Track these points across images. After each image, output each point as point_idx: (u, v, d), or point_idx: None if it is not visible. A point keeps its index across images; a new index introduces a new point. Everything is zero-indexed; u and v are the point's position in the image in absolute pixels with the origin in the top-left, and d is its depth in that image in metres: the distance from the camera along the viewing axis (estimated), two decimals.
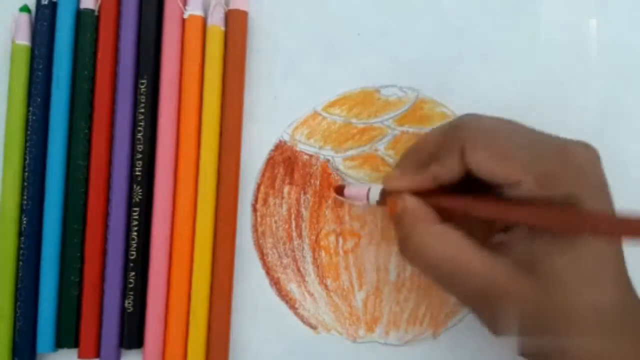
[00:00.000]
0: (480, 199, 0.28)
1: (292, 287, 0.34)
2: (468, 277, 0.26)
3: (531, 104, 0.34)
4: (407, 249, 0.28)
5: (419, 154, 0.30)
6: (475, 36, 0.35)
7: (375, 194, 0.31)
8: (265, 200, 0.34)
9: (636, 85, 0.34)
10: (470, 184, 0.28)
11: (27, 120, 0.34)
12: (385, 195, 0.30)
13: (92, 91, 0.34)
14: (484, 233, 0.29)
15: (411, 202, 0.28)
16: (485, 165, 0.26)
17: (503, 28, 0.35)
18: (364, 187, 0.31)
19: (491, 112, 0.34)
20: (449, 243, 0.27)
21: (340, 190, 0.33)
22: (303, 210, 0.34)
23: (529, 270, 0.26)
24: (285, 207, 0.34)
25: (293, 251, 0.34)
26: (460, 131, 0.28)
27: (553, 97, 0.34)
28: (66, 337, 0.33)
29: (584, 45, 0.35)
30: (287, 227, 0.34)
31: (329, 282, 0.34)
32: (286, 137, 0.35)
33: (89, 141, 0.33)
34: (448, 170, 0.27)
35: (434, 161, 0.28)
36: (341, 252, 0.34)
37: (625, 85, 0.34)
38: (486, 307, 0.27)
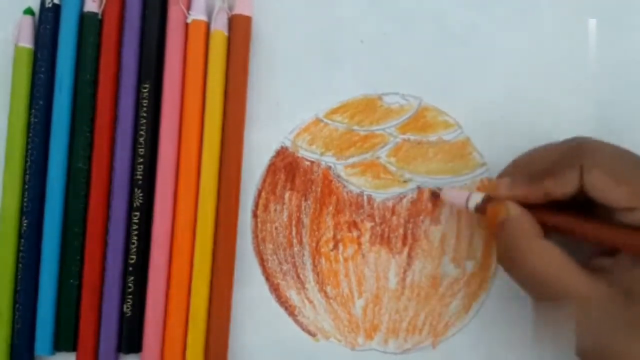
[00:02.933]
0: (588, 220, 0.28)
1: (292, 294, 0.34)
2: (564, 295, 0.27)
3: (534, 111, 0.34)
4: (507, 259, 0.29)
5: (530, 167, 0.30)
6: (477, 44, 0.35)
7: (476, 199, 0.30)
8: (266, 206, 0.34)
9: (636, 86, 0.34)
10: (573, 206, 0.28)
11: (28, 123, 0.34)
12: (486, 203, 0.30)
13: (94, 95, 0.34)
14: (582, 253, 0.29)
15: (516, 211, 0.29)
16: (603, 187, 0.27)
17: (505, 35, 0.35)
18: (464, 193, 0.31)
19: (493, 119, 0.34)
20: (551, 260, 0.27)
21: (435, 194, 0.33)
22: (304, 216, 0.34)
23: (627, 297, 0.26)
24: (285, 213, 0.34)
25: (293, 257, 0.34)
26: (581, 151, 0.28)
27: (555, 101, 0.34)
28: (64, 340, 0.33)
29: (584, 46, 0.35)
30: (287, 233, 0.34)
31: (328, 289, 0.33)
32: (288, 143, 0.35)
33: (90, 144, 0.33)
34: (562, 186, 0.28)
35: (549, 176, 0.28)
36: (341, 259, 0.34)
37: (625, 85, 0.34)
38: (569, 316, 0.27)
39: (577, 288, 0.27)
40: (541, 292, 0.28)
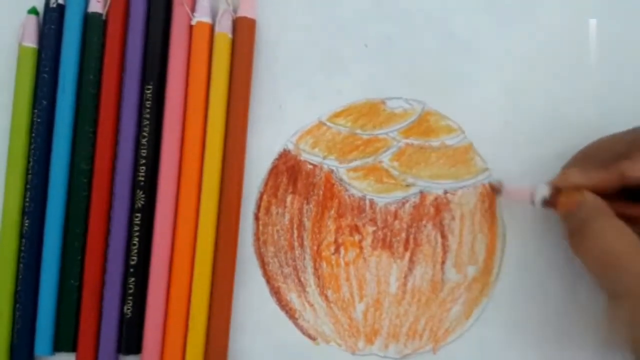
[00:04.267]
0: None
1: (293, 297, 0.34)
2: (632, 275, 0.27)
3: (536, 115, 0.34)
4: (580, 237, 0.28)
5: (599, 156, 0.30)
6: (481, 49, 0.35)
7: (542, 193, 0.30)
8: (267, 209, 0.34)
9: (637, 86, 0.34)
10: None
11: (31, 123, 0.34)
12: (555, 195, 0.30)
13: (97, 95, 0.34)
14: None
15: (591, 196, 0.29)
16: None
17: (507, 39, 0.35)
18: (527, 186, 0.31)
19: (496, 125, 0.34)
20: (626, 238, 0.27)
21: (496, 189, 0.33)
22: (305, 220, 0.34)
23: None
24: (287, 216, 0.34)
25: (294, 261, 0.34)
26: None
27: (557, 105, 0.34)
28: (64, 340, 0.33)
29: (585, 46, 0.35)
30: (288, 236, 0.34)
31: (329, 292, 0.33)
32: (290, 146, 0.35)
33: (93, 145, 0.33)
34: (638, 169, 0.28)
35: (624, 159, 0.28)
36: (342, 263, 0.33)
37: (626, 85, 0.34)
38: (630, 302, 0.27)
39: None
40: (609, 270, 0.28)
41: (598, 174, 0.29)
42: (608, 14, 0.35)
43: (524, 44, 0.35)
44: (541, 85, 0.34)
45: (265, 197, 0.34)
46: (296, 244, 0.34)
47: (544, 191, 0.30)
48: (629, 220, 0.28)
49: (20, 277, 0.33)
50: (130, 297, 0.33)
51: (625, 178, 0.28)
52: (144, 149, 0.33)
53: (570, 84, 0.34)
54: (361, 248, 0.34)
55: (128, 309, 0.33)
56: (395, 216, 0.34)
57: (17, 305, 0.33)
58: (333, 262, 0.34)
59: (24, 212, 0.33)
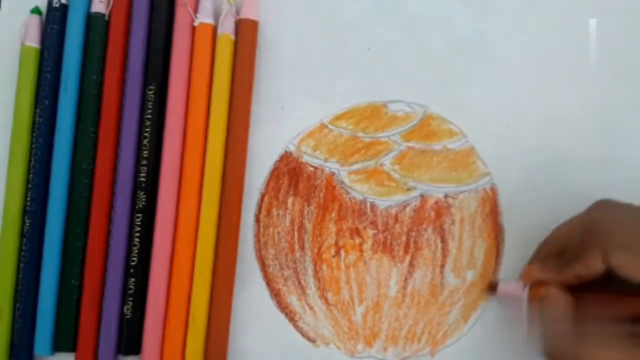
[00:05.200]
0: (622, 296, 0.28)
1: (293, 300, 0.34)
2: None
3: (538, 119, 0.34)
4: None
5: (557, 246, 0.31)
6: (483, 53, 0.35)
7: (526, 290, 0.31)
8: (268, 211, 0.34)
9: (637, 86, 0.34)
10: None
11: (33, 122, 0.34)
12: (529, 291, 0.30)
13: (99, 95, 0.34)
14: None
15: (554, 291, 0.29)
16: (630, 267, 0.27)
17: (509, 43, 0.35)
18: (519, 284, 0.31)
19: (498, 129, 0.34)
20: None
21: (493, 286, 0.33)
22: (306, 222, 0.34)
23: None
24: (288, 218, 0.34)
25: (295, 263, 0.34)
26: (600, 234, 0.28)
27: (558, 108, 0.34)
28: (64, 340, 0.33)
29: (585, 47, 0.35)
30: (289, 238, 0.34)
31: (329, 295, 0.33)
32: (292, 148, 0.35)
33: (94, 145, 0.33)
34: (592, 271, 0.28)
35: (576, 261, 0.29)
36: (343, 266, 0.34)
37: (626, 85, 0.34)
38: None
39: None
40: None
41: (556, 275, 0.29)
42: (608, 14, 0.35)
43: (525, 46, 0.35)
44: (542, 88, 0.34)
45: (266, 198, 0.34)
46: (297, 246, 0.34)
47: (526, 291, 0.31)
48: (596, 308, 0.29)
49: (21, 276, 0.33)
50: (130, 298, 0.33)
51: (581, 278, 0.29)
52: (145, 150, 0.33)
53: (570, 85, 0.34)
54: (361, 251, 0.34)
55: (128, 309, 0.33)
56: (396, 219, 0.34)
57: (17, 305, 0.33)
58: (333, 264, 0.34)
59: (24, 212, 0.33)
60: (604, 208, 0.30)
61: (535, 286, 0.30)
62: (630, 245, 0.28)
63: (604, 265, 0.28)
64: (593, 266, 0.28)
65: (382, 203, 0.34)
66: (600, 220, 0.29)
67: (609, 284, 0.28)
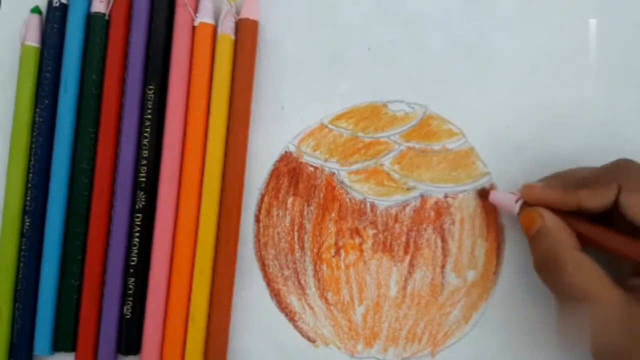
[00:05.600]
0: (621, 235, 0.28)
1: (293, 300, 0.34)
2: (595, 306, 0.27)
3: (538, 120, 0.34)
4: (543, 269, 0.29)
5: (566, 179, 0.30)
6: (483, 53, 0.35)
7: (520, 204, 0.31)
8: (268, 211, 0.34)
9: (637, 86, 0.34)
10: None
11: (33, 122, 0.34)
12: (522, 208, 0.30)
13: (99, 95, 0.34)
14: (619, 272, 0.29)
15: (551, 220, 0.29)
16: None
17: (509, 43, 0.35)
18: (513, 196, 0.31)
19: (498, 129, 0.34)
20: (587, 273, 0.28)
21: (484, 193, 0.33)
22: (306, 222, 0.34)
23: None
24: (288, 218, 0.34)
25: (295, 263, 0.34)
26: (622, 171, 0.29)
27: (558, 109, 0.34)
28: (64, 340, 0.33)
29: (585, 47, 0.35)
30: (289, 238, 0.34)
31: (329, 295, 0.33)
32: (292, 148, 0.35)
33: (94, 145, 0.33)
34: (597, 199, 0.28)
35: (585, 187, 0.29)
36: (342, 266, 0.34)
37: (626, 85, 0.34)
38: (589, 319, 0.28)
39: (609, 301, 0.27)
40: (573, 301, 0.28)
41: (558, 194, 0.29)
42: (608, 14, 0.35)
43: (524, 46, 0.35)
44: (542, 88, 0.34)
45: (266, 198, 0.34)
46: (297, 246, 0.34)
47: (518, 205, 0.31)
48: (580, 236, 0.29)
49: (21, 276, 0.33)
50: (130, 298, 0.33)
51: (581, 206, 0.29)
52: (145, 150, 0.33)
53: (570, 85, 0.34)
54: (361, 251, 0.34)
55: (128, 309, 0.33)
56: (396, 219, 0.34)
57: (17, 305, 0.33)
58: (333, 264, 0.34)
59: (24, 211, 0.33)
60: (631, 160, 0.30)
61: (527, 212, 0.30)
62: None
63: (613, 198, 0.28)
64: (601, 196, 0.28)
65: (382, 203, 0.34)
66: (625, 163, 0.29)
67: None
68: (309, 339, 0.33)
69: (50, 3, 0.34)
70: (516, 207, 0.31)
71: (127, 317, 0.33)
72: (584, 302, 0.27)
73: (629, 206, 0.28)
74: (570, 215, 0.29)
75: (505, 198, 0.32)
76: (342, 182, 0.34)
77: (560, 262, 0.28)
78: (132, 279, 0.33)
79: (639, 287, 0.28)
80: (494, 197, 0.32)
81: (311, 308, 0.33)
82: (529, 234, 0.30)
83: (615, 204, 0.28)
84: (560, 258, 0.28)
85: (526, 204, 0.30)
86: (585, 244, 0.29)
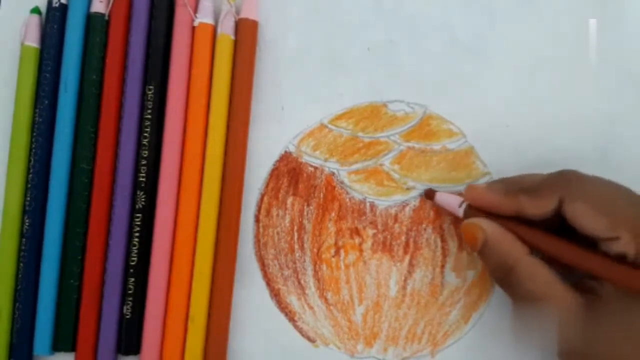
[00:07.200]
0: (571, 244, 0.28)
1: (292, 300, 0.34)
2: (551, 310, 0.28)
3: (538, 119, 0.34)
4: (500, 280, 0.29)
5: (511, 184, 0.30)
6: (483, 53, 0.35)
7: (464, 207, 0.31)
8: (268, 211, 0.34)
9: (637, 86, 0.34)
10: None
11: (33, 122, 0.34)
12: (466, 211, 0.30)
13: (99, 95, 0.34)
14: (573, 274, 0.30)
15: (494, 230, 0.29)
16: (585, 216, 0.27)
17: (509, 43, 0.35)
18: (457, 198, 0.31)
19: (498, 129, 0.34)
20: (541, 279, 0.28)
21: (430, 194, 0.33)
22: (306, 222, 0.34)
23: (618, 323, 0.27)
24: (288, 218, 0.34)
25: (294, 263, 0.34)
26: (564, 180, 0.28)
27: (558, 109, 0.34)
28: (64, 340, 0.33)
29: (585, 47, 0.35)
30: (289, 238, 0.34)
31: (329, 295, 0.33)
32: (292, 148, 0.35)
33: (94, 145, 0.33)
34: (537, 207, 0.28)
35: (526, 193, 0.28)
36: (342, 266, 0.34)
37: (626, 85, 0.34)
38: (550, 321, 0.28)
39: (564, 304, 0.27)
40: (531, 306, 0.28)
41: (498, 197, 0.29)
42: (608, 14, 0.35)
43: (524, 46, 0.35)
44: (542, 88, 0.34)
45: (266, 198, 0.34)
46: (296, 246, 0.34)
47: (464, 207, 0.31)
48: (523, 241, 0.29)
49: (20, 276, 0.33)
50: (130, 298, 0.33)
51: (520, 212, 0.29)
52: (145, 150, 0.33)
53: (570, 85, 0.34)
54: (361, 251, 0.34)
55: (128, 309, 0.33)
56: (396, 219, 0.34)
57: (17, 305, 0.33)
58: (333, 264, 0.34)
59: (24, 211, 0.33)
60: (576, 171, 0.29)
61: (468, 224, 0.30)
62: (593, 199, 0.28)
63: (553, 207, 0.28)
64: (541, 204, 0.28)
65: (381, 203, 0.34)
66: (570, 173, 0.29)
67: None
68: (308, 339, 0.33)
69: (50, 3, 0.34)
70: (460, 211, 0.31)
71: (127, 317, 0.33)
72: (540, 306, 0.28)
73: (574, 216, 0.27)
74: (512, 220, 0.29)
75: (450, 200, 0.31)
76: (342, 182, 0.34)
77: (514, 272, 0.28)
78: (132, 279, 0.33)
79: (593, 289, 0.28)
80: (439, 198, 0.32)
81: (311, 308, 0.33)
82: (475, 250, 0.30)
83: (561, 213, 0.28)
84: (513, 267, 0.28)
85: (470, 207, 0.30)
86: (530, 247, 0.29)
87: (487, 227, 0.29)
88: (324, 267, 0.34)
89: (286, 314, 0.33)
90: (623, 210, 0.27)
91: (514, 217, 0.29)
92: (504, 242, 0.29)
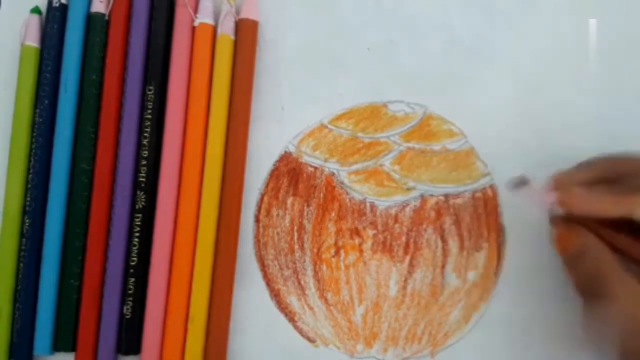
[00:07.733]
0: None
1: (292, 300, 0.34)
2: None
3: (538, 120, 0.34)
4: (588, 291, 0.27)
5: (612, 185, 0.27)
6: (483, 53, 0.35)
7: (555, 211, 0.28)
8: (268, 211, 0.34)
9: (637, 86, 0.34)
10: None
11: (33, 122, 0.34)
12: (558, 221, 0.28)
13: (99, 95, 0.34)
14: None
15: (592, 239, 0.27)
16: None
17: (509, 43, 0.35)
18: (550, 197, 0.28)
19: (498, 129, 0.34)
20: (634, 298, 0.26)
21: (521, 182, 0.30)
22: (306, 222, 0.34)
23: None
24: (288, 218, 0.34)
25: (294, 263, 0.34)
26: None
27: (559, 109, 0.34)
28: (64, 340, 0.33)
29: (585, 47, 0.35)
30: (289, 239, 0.34)
31: (329, 295, 0.33)
32: (292, 148, 0.35)
33: (94, 145, 0.33)
34: None
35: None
36: (342, 266, 0.33)
37: (626, 85, 0.34)
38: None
39: None
40: (633, 336, 0.26)
41: (605, 202, 0.26)
42: (608, 14, 0.35)
43: (525, 46, 0.35)
44: (542, 88, 0.34)
45: (266, 198, 0.34)
46: (296, 246, 0.34)
47: (557, 211, 0.28)
48: (612, 248, 0.27)
49: (20, 276, 0.33)
50: (130, 298, 0.33)
51: (635, 216, 0.26)
52: (145, 150, 0.33)
53: (570, 85, 0.34)
54: (361, 251, 0.34)
55: (128, 309, 0.33)
56: (396, 220, 0.34)
57: (17, 305, 0.33)
58: (333, 265, 0.34)
59: (24, 212, 0.33)
60: None
61: (566, 233, 0.27)
62: None
63: None
64: None
65: (381, 203, 0.34)
66: None
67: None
68: (308, 339, 0.33)
69: (50, 3, 0.34)
70: (549, 211, 0.28)
71: (127, 317, 0.33)
72: (631, 327, 0.25)
73: None
74: (603, 225, 0.27)
75: (541, 197, 0.28)
76: (342, 182, 0.34)
77: (608, 287, 0.26)
78: (132, 279, 0.33)
79: None
80: (528, 192, 0.29)
81: (311, 308, 0.33)
82: (567, 254, 0.27)
83: None
84: (607, 282, 0.26)
85: (564, 219, 0.28)
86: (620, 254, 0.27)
87: (586, 235, 0.27)
88: (324, 267, 0.34)
89: (286, 314, 0.33)
90: None
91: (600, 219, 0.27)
92: (601, 251, 0.27)
